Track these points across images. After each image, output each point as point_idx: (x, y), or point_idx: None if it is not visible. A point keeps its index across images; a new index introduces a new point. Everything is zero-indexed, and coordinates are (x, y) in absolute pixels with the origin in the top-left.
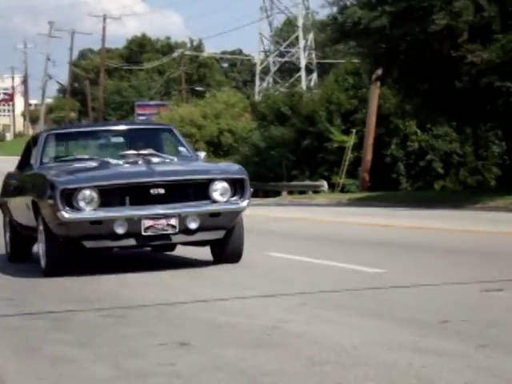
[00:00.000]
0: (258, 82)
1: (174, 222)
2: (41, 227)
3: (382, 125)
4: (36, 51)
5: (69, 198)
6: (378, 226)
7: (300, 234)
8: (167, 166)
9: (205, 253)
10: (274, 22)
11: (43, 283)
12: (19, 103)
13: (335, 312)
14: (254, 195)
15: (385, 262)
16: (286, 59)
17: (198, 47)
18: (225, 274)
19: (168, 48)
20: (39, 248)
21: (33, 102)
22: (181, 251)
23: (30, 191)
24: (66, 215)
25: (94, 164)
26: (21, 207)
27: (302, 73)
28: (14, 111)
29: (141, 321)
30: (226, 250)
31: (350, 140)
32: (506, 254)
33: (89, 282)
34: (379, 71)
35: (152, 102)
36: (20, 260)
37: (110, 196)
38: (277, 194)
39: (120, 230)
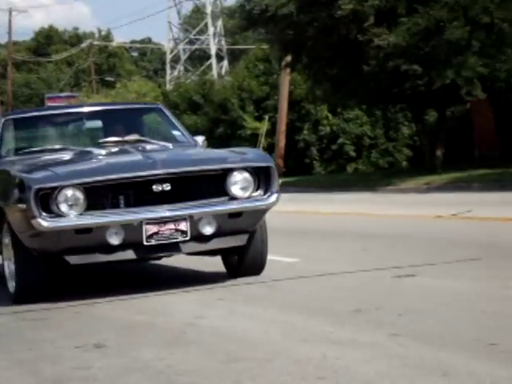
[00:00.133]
0: (168, 71)
1: (184, 226)
2: (6, 240)
3: (293, 110)
4: None
5: (46, 200)
6: (294, 213)
7: None
8: (168, 154)
9: None
10: (182, 10)
11: None
12: None
13: (251, 306)
14: None
15: (299, 250)
16: (196, 47)
17: (107, 37)
18: (137, 270)
19: (76, 39)
20: (4, 267)
21: None
22: None
23: None
24: (44, 223)
25: (70, 155)
26: None
27: (213, 60)
28: None
29: (56, 323)
30: (245, 259)
31: (263, 126)
32: (419, 239)
33: None
34: (288, 58)
35: (62, 94)
36: None
37: (99, 196)
38: None
39: (114, 240)
